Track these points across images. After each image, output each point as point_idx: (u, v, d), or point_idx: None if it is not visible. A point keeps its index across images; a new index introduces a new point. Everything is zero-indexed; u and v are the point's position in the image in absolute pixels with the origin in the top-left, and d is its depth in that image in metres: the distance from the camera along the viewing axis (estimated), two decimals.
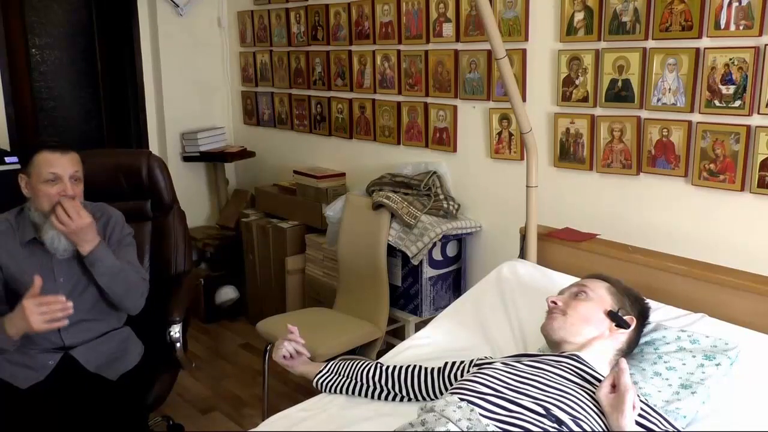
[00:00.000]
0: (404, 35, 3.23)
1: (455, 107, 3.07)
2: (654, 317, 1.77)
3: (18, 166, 3.01)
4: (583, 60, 2.55)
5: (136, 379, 2.15)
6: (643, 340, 1.72)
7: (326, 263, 3.40)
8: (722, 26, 2.17)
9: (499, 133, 2.90)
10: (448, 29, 3.02)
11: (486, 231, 3.05)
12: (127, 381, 2.11)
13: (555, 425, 1.33)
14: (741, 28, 2.13)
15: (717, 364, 1.61)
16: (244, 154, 4.27)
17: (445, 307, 2.38)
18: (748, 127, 2.17)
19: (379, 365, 1.83)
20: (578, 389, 1.44)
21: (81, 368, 2.07)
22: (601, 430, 1.37)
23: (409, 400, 1.76)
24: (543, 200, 2.35)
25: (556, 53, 2.64)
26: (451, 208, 3.00)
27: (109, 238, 2.18)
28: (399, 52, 3.27)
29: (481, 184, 3.04)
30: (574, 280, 1.84)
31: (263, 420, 1.80)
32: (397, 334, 3.06)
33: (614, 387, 1.39)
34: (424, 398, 1.74)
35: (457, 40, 2.99)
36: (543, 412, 1.35)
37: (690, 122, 2.30)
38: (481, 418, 1.34)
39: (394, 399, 1.78)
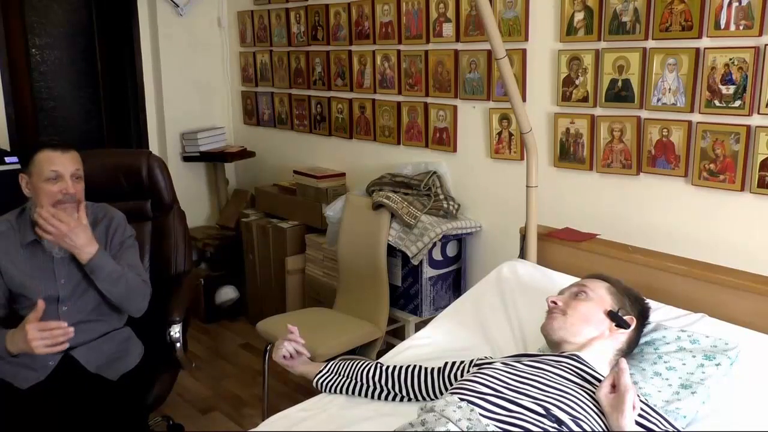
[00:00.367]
0: (404, 35, 3.23)
1: (455, 107, 3.07)
2: (654, 317, 1.76)
3: (18, 166, 3.03)
4: (583, 60, 2.55)
5: (137, 379, 2.15)
6: (643, 340, 1.72)
7: (326, 263, 3.40)
8: (722, 26, 2.17)
9: (499, 133, 2.90)
10: (448, 29, 3.02)
11: (486, 231, 3.05)
12: (127, 381, 2.11)
13: (555, 425, 1.33)
14: (741, 28, 2.13)
15: (717, 364, 1.61)
16: (244, 154, 4.27)
17: (445, 307, 2.38)
18: (748, 127, 2.17)
19: (379, 365, 1.83)
20: (578, 389, 1.44)
21: (81, 368, 2.06)
22: (601, 430, 1.37)
23: (409, 400, 1.76)
24: (543, 200, 2.35)
25: (556, 53, 2.64)
26: (451, 208, 3.00)
27: (111, 240, 2.18)
28: (399, 52, 3.27)
29: (481, 184, 3.04)
30: (574, 280, 1.84)
31: (263, 420, 1.80)
32: (397, 334, 3.06)
33: (614, 387, 1.39)
34: (424, 398, 1.74)
35: (457, 40, 2.99)
36: (543, 412, 1.35)
37: (690, 122, 2.30)
38: (481, 418, 1.34)
39: (394, 399, 1.78)
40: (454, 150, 3.11)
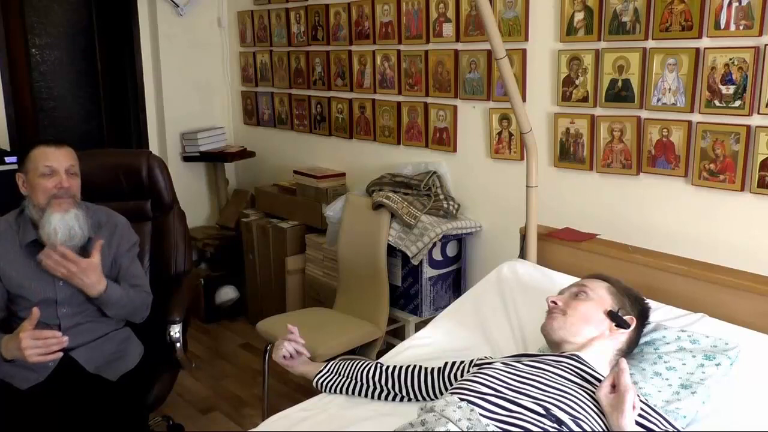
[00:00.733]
0: (404, 35, 3.23)
1: (455, 107, 3.07)
2: (654, 317, 1.76)
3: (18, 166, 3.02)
4: (583, 60, 2.55)
5: (136, 379, 2.15)
6: (643, 340, 1.72)
7: (326, 263, 3.40)
8: (722, 26, 2.17)
9: (499, 133, 2.90)
10: (448, 29, 3.02)
11: (486, 231, 3.05)
12: (127, 381, 2.11)
13: (555, 425, 1.33)
14: (741, 28, 2.13)
15: (717, 364, 1.61)
16: (244, 154, 4.27)
17: (445, 307, 2.38)
18: (748, 127, 2.17)
19: (379, 365, 1.83)
20: (578, 389, 1.44)
21: (81, 369, 2.06)
22: (601, 430, 1.37)
23: (409, 400, 1.76)
24: (543, 200, 2.35)
25: (556, 53, 2.64)
26: (451, 208, 3.00)
27: (117, 247, 2.19)
28: (399, 52, 3.27)
29: (481, 184, 3.04)
30: (574, 280, 1.84)
31: (263, 420, 1.80)
32: (397, 334, 3.06)
33: (614, 387, 1.39)
34: (424, 398, 1.74)
35: (457, 40, 2.99)
36: (543, 412, 1.35)
37: (690, 122, 2.30)
38: (481, 418, 1.34)
39: (394, 399, 1.78)
40: (454, 150, 3.11)
